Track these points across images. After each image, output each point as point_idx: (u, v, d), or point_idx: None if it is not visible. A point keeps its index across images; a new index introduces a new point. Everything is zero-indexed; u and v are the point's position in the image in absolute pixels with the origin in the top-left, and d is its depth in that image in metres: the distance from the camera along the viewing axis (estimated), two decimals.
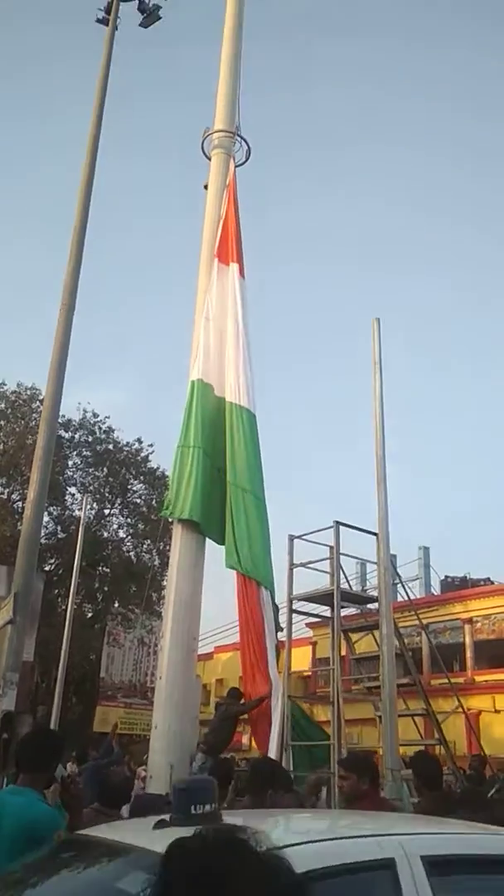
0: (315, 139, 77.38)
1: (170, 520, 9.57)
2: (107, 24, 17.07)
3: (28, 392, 28.47)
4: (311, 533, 9.66)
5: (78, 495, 28.84)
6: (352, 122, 79.09)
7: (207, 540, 9.16)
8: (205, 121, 11.28)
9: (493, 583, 27.83)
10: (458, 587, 28.46)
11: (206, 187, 10.93)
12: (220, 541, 9.23)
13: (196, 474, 8.92)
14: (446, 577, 29.89)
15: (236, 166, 10.85)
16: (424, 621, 19.31)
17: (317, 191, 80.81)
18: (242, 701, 10.42)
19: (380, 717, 7.43)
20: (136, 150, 73.88)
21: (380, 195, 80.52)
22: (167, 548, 10.13)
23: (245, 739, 25.75)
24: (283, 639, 9.56)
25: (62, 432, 27.22)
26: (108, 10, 17.35)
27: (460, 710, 12.12)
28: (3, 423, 28.35)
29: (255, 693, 8.59)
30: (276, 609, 8.97)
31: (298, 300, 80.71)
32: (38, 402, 26.28)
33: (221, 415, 9.47)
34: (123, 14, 17.43)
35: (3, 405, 28.54)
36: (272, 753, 8.04)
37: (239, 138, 10.99)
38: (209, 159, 10.92)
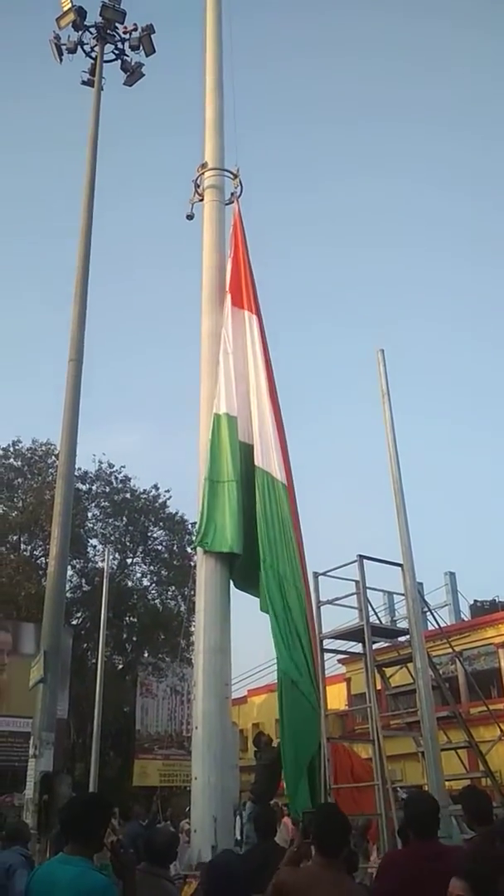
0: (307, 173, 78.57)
1: (192, 563, 9.49)
2: (92, 86, 17.56)
3: (43, 448, 28.76)
4: (336, 569, 9.59)
5: (100, 546, 28.93)
6: (346, 154, 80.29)
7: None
8: (194, 154, 11.51)
9: None
10: (488, 611, 28.08)
11: (188, 217, 11.14)
12: (248, 589, 9.16)
13: (235, 508, 8.85)
14: (475, 601, 29.53)
15: (228, 202, 11.01)
16: (457, 648, 19.05)
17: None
18: (275, 744, 10.32)
19: (422, 752, 7.30)
20: (131, 193, 75.27)
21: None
22: (192, 593, 10.11)
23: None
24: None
25: (79, 485, 27.39)
26: (92, 72, 17.87)
27: (503, 738, 11.88)
28: (20, 480, 28.58)
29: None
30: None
31: (304, 335, 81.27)
32: (53, 458, 26.50)
33: (247, 460, 9.40)
34: (107, 73, 17.97)
35: (19, 462, 28.80)
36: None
37: (236, 178, 11.15)
38: (197, 193, 11.10)
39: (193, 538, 8.92)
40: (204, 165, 11.18)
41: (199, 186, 11.07)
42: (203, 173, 11.11)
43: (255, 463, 9.21)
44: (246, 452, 9.39)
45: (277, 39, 69.82)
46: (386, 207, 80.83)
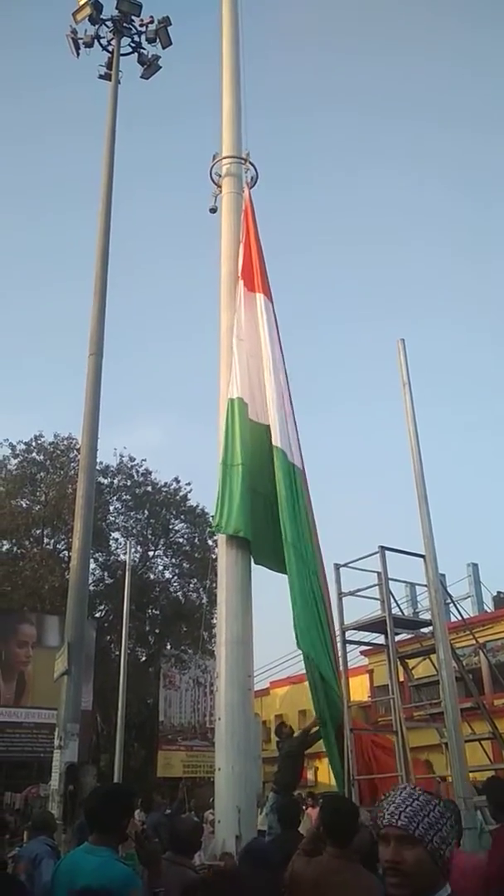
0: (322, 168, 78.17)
1: (214, 555, 9.50)
2: (109, 80, 17.57)
3: (65, 442, 28.95)
4: (357, 560, 9.58)
5: (122, 540, 29.09)
6: (351, 147, 79.71)
7: (253, 575, 9.09)
8: (211, 146, 11.42)
9: None
10: None
11: (212, 211, 11.04)
12: (270, 566, 9.14)
13: (241, 491, 8.83)
14: (498, 592, 29.27)
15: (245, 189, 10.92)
16: (481, 640, 18.93)
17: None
18: (295, 733, 10.36)
19: (445, 743, 7.28)
20: (145, 183, 75.22)
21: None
22: (214, 585, 10.16)
23: (310, 775, 25.37)
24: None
25: (101, 479, 27.53)
26: (109, 66, 17.87)
27: None
28: (43, 474, 28.77)
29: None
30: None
31: (323, 320, 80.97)
32: (75, 452, 26.65)
33: (260, 440, 9.38)
34: (124, 66, 17.98)
35: (42, 457, 29.00)
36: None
37: (246, 163, 11.06)
38: (216, 185, 11.02)
39: (214, 530, 8.93)
40: (216, 155, 11.11)
41: (220, 176, 11.00)
42: (220, 160, 11.03)
43: (273, 443, 9.19)
44: (257, 432, 9.38)
45: (291, 30, 69.35)
46: (398, 201, 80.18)
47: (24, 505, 28.22)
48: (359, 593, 9.46)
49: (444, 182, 76.55)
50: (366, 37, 73.29)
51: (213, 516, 9.48)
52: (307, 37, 70.07)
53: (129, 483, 30.38)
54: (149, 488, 30.49)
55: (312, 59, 73.28)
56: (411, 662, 10.18)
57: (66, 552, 26.17)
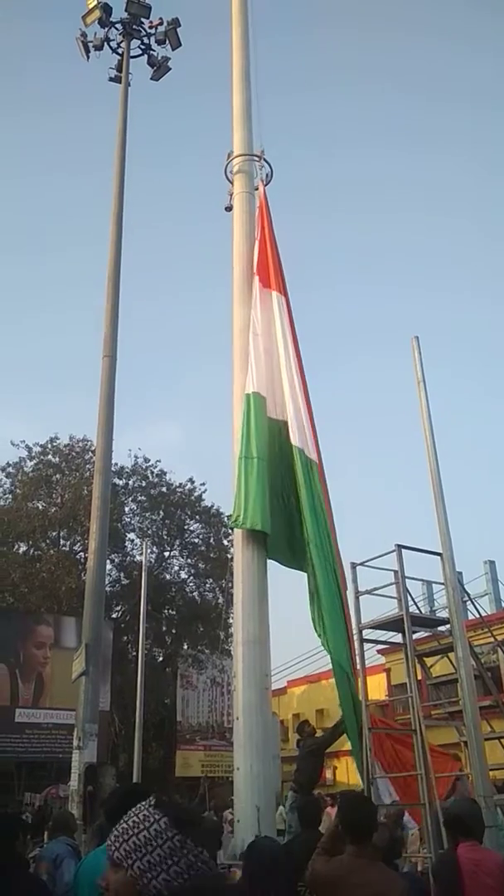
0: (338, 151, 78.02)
1: (229, 555, 9.47)
2: (119, 82, 17.64)
3: (80, 444, 29.10)
4: (373, 559, 9.55)
5: (137, 541, 29.18)
6: (374, 127, 79.46)
7: (269, 574, 9.07)
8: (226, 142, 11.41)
9: None
10: None
11: (227, 209, 11.03)
12: (282, 561, 9.13)
13: (261, 485, 8.81)
14: None
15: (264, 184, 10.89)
16: (499, 637, 18.82)
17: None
18: (317, 733, 10.34)
19: (465, 742, 7.25)
20: (159, 174, 75.32)
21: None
22: (230, 585, 10.16)
23: (329, 774, 25.32)
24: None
25: (116, 480, 27.64)
26: (119, 69, 17.94)
27: None
28: (58, 476, 28.93)
29: None
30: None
31: (338, 316, 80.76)
32: (90, 454, 26.77)
33: (276, 436, 9.37)
34: (134, 67, 18.06)
35: (57, 459, 29.15)
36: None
37: (261, 160, 11.04)
38: (230, 182, 11.01)
39: (229, 528, 8.88)
40: (230, 154, 11.11)
41: (233, 173, 11.00)
42: (232, 159, 11.03)
43: (291, 441, 9.18)
44: (274, 428, 9.36)
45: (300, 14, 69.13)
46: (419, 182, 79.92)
47: (41, 507, 28.40)
48: (375, 592, 9.42)
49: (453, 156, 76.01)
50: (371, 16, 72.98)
51: (228, 516, 9.46)
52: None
53: (143, 484, 30.51)
54: (164, 489, 30.61)
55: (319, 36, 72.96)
56: (429, 661, 10.14)
57: (82, 553, 26.29)
